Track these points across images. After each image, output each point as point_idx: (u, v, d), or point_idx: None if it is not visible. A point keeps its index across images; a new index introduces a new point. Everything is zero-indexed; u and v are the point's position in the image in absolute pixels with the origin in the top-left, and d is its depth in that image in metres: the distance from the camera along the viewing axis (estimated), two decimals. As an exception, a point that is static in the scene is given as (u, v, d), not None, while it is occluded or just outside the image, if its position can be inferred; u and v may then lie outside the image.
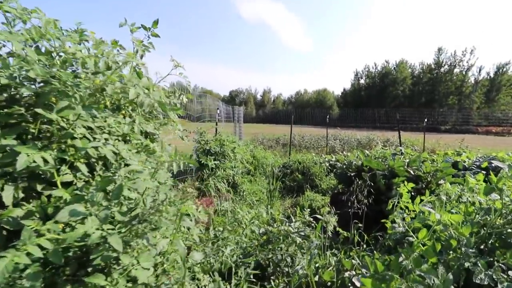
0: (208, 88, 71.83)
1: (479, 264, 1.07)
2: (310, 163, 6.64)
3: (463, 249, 1.12)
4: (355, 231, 2.94)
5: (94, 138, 1.22)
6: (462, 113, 38.06)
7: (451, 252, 1.20)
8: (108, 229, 1.03)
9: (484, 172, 4.34)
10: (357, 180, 4.19)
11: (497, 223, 1.26)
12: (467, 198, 1.80)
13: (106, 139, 1.27)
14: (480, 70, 44.20)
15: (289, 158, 7.63)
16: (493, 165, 4.29)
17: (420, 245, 1.19)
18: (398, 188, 3.76)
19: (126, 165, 1.30)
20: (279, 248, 2.31)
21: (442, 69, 46.06)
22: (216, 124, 6.13)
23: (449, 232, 1.14)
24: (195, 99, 6.75)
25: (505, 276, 1.03)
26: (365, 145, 12.27)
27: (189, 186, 4.17)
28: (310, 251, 2.02)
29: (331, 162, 7.08)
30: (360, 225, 2.93)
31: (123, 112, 1.59)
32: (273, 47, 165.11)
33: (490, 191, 1.26)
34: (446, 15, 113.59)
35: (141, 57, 1.72)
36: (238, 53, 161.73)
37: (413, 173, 3.87)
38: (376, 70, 52.96)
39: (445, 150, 9.83)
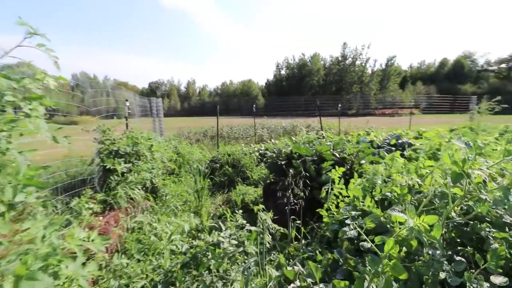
0: (123, 80, 64.05)
1: (451, 272, 0.88)
2: (240, 154, 6.32)
3: (431, 252, 0.91)
4: (292, 223, 2.72)
5: None
6: (363, 99, 44.61)
7: (416, 257, 1.01)
8: None
9: (394, 148, 4.81)
10: (288, 169, 4.04)
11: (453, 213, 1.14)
12: (406, 181, 1.68)
13: None
14: (375, 62, 52.54)
15: (218, 151, 7.15)
16: (400, 141, 4.78)
17: (387, 260, 0.93)
18: (327, 173, 3.76)
19: None
20: (206, 271, 1.83)
21: (347, 61, 52.73)
22: (126, 119, 5.10)
23: (421, 238, 0.90)
24: (103, 92, 5.47)
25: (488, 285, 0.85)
26: (290, 131, 12.80)
27: (88, 200, 3.25)
28: (245, 272, 1.62)
29: (260, 151, 6.93)
30: (294, 217, 2.71)
31: None
32: (195, 37, 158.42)
33: (458, 178, 1.09)
34: (350, 12, 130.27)
35: None
36: (158, 43, 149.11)
37: (338, 156, 3.93)
38: (295, 62, 56.82)
39: (355, 131, 11.04)
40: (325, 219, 2.57)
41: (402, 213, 0.97)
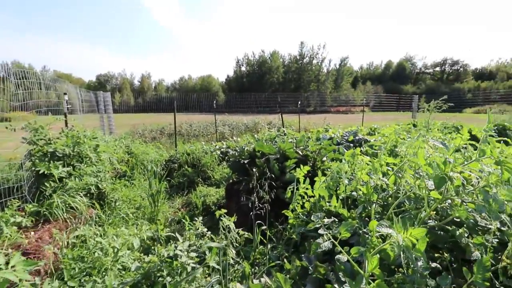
0: (66, 72, 57.44)
1: None
2: (200, 153, 5.99)
3: (411, 263, 0.84)
4: (256, 227, 2.58)
5: None
6: (320, 97, 46.76)
7: (395, 268, 0.93)
8: None
9: (351, 145, 4.99)
10: (251, 168, 3.90)
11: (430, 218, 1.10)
12: (374, 181, 1.64)
13: None
14: (330, 62, 55.36)
15: (176, 150, 6.71)
16: (357, 138, 4.98)
17: (370, 281, 0.82)
18: (291, 171, 3.70)
19: None
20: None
21: (304, 60, 54.62)
22: (66, 116, 4.43)
23: (409, 255, 0.81)
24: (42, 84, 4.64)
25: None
26: (252, 128, 12.73)
27: (14, 213, 2.70)
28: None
29: (222, 149, 6.69)
30: (260, 222, 2.57)
31: None
32: (151, 30, 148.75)
33: (442, 182, 1.03)
34: (307, 13, 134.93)
35: None
36: (109, 34, 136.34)
37: (301, 154, 3.90)
38: (255, 59, 56.95)
39: (314, 128, 11.41)
40: (290, 221, 2.47)
41: (390, 229, 0.87)
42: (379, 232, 0.86)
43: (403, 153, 2.30)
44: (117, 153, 4.72)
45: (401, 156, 2.32)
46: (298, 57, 55.07)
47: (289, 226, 2.51)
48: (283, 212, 2.56)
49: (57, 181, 3.41)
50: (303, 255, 1.74)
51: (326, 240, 1.23)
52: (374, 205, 1.54)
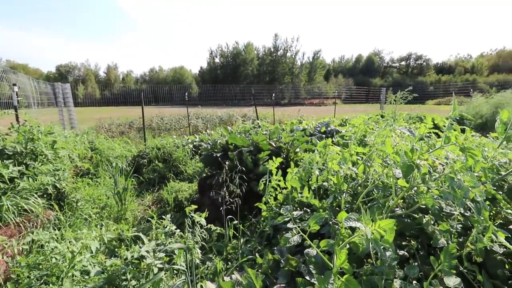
0: (20, 62, 52.22)
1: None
2: (171, 147, 5.76)
3: (379, 254, 0.83)
4: (228, 221, 2.52)
5: None
6: (294, 90, 47.31)
7: (364, 260, 0.92)
8: None
9: (324, 136, 5.08)
10: (224, 161, 3.80)
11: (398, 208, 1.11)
12: (343, 171, 1.64)
13: None
14: (303, 55, 56.05)
15: (145, 144, 6.39)
16: (329, 129, 5.07)
17: (338, 276, 0.79)
18: (264, 164, 3.67)
19: None
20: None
21: (278, 53, 54.69)
22: (16, 110, 3.98)
23: (378, 248, 0.79)
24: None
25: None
26: (226, 121, 12.55)
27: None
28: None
29: (195, 143, 6.49)
30: (231, 217, 2.51)
31: None
32: (117, 19, 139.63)
33: (410, 171, 1.02)
34: (281, 6, 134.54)
35: None
36: (69, 21, 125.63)
37: (275, 145, 3.88)
38: (229, 50, 55.89)
39: (289, 120, 11.52)
40: (264, 213, 2.44)
41: (358, 222, 0.85)
42: (347, 224, 0.84)
43: (372, 142, 2.34)
44: (78, 150, 4.36)
45: (370, 146, 2.37)
46: (272, 50, 54.99)
47: (262, 218, 2.48)
48: (256, 205, 2.52)
49: (7, 182, 3.07)
50: (275, 248, 1.71)
51: (295, 234, 1.20)
52: (344, 194, 1.54)
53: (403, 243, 1.15)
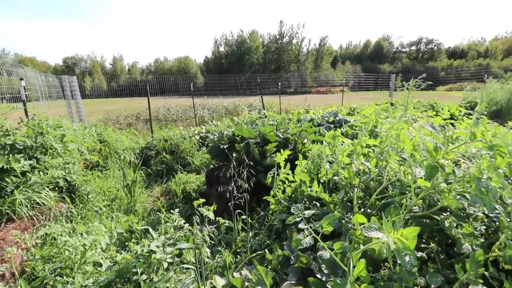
0: (28, 55, 52.68)
1: None
2: (178, 139, 5.77)
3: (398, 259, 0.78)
4: (237, 215, 2.51)
5: None
6: (301, 78, 46.55)
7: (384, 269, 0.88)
8: None
9: (332, 126, 4.98)
10: (231, 153, 3.78)
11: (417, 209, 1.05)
12: (356, 166, 1.59)
13: None
14: (309, 42, 54.72)
15: (153, 136, 6.42)
16: (337, 118, 4.97)
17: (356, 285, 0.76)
18: (272, 156, 3.63)
19: None
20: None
21: (284, 40, 53.54)
22: (24, 104, 4.01)
23: (401, 259, 0.75)
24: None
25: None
26: (232, 111, 12.48)
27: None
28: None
29: (201, 134, 6.48)
30: (240, 211, 2.50)
31: None
32: (120, 8, 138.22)
33: (434, 172, 0.96)
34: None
35: None
36: (74, 12, 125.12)
37: (282, 137, 3.83)
38: (233, 38, 54.99)
39: (295, 109, 11.38)
40: (272, 206, 2.43)
41: (379, 232, 0.80)
42: (368, 235, 0.79)
43: (384, 134, 2.27)
44: (87, 142, 4.40)
45: (381, 137, 2.30)
46: (277, 37, 53.84)
47: (270, 212, 2.47)
48: (264, 198, 2.50)
49: (19, 176, 3.12)
50: (284, 243, 1.69)
51: (308, 236, 1.17)
52: (356, 189, 1.50)
53: (421, 245, 1.10)
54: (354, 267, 0.87)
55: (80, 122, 6.62)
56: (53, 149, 3.60)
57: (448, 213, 1.19)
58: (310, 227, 1.18)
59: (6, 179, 3.08)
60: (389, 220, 0.78)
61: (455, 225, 1.08)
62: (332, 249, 0.92)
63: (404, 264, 0.73)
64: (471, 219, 1.09)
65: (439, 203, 1.06)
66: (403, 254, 0.76)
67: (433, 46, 60.21)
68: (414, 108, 5.20)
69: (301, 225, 1.22)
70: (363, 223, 0.96)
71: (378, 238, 0.76)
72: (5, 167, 3.10)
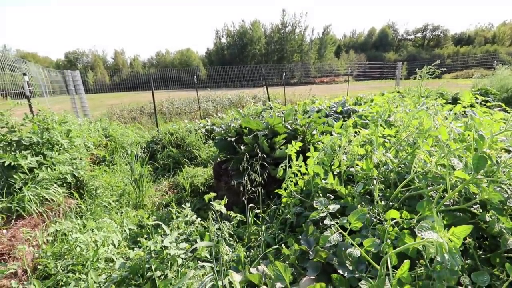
0: (30, 51, 52.65)
1: None
2: (184, 132, 5.72)
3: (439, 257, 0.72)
4: (249, 209, 2.47)
5: None
6: (304, 68, 45.87)
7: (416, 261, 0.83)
8: None
9: (340, 116, 4.88)
10: (239, 146, 3.72)
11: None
12: (376, 157, 1.51)
13: None
14: (313, 31, 53.71)
15: (158, 130, 6.38)
16: (345, 108, 4.86)
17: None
18: (281, 147, 3.56)
19: None
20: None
21: (287, 29, 52.59)
22: (29, 100, 3.97)
23: (453, 259, 0.69)
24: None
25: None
26: (237, 103, 12.37)
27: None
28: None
29: (207, 127, 6.42)
30: (252, 205, 2.45)
31: None
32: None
33: (482, 164, 0.89)
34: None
35: None
36: (74, 6, 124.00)
37: (291, 128, 3.75)
38: (235, 29, 54.16)
39: (300, 100, 11.23)
40: (284, 199, 2.37)
41: (433, 232, 0.74)
42: (421, 235, 0.73)
43: (399, 124, 2.18)
44: (93, 137, 4.38)
45: (397, 127, 2.21)
46: (280, 26, 52.88)
47: (282, 205, 2.42)
48: (275, 190, 2.45)
49: (27, 173, 3.11)
50: (300, 237, 1.64)
51: (335, 232, 1.11)
52: (376, 181, 1.43)
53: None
54: (390, 266, 0.81)
55: (85, 117, 6.60)
56: (60, 145, 3.57)
57: (478, 205, 1.13)
58: (336, 223, 1.12)
59: (14, 176, 3.06)
60: (439, 216, 0.71)
61: (497, 219, 1.01)
62: (361, 246, 0.86)
63: (453, 262, 0.67)
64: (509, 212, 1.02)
65: (476, 196, 0.99)
66: (447, 252, 0.70)
67: (439, 33, 58.74)
68: (422, 96, 5.07)
69: (327, 221, 1.16)
70: (394, 218, 0.90)
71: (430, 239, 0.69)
72: (12, 164, 3.09)
